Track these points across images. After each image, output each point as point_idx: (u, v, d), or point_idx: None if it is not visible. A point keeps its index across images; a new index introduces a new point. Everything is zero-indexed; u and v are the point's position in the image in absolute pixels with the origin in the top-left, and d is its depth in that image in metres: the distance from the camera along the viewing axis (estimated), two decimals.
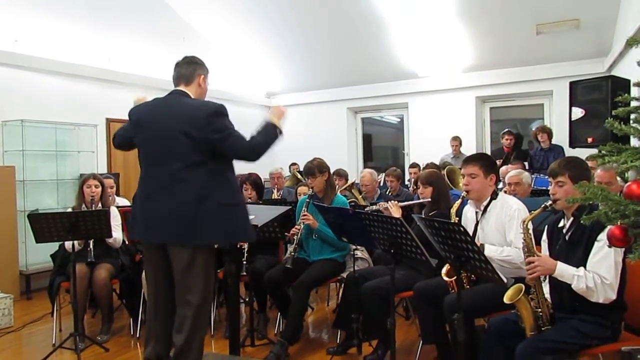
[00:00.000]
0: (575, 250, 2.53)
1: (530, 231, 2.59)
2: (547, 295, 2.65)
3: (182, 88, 2.80)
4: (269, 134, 2.79)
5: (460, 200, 3.27)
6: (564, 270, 2.44)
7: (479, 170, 3.14)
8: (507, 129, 7.75)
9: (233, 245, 3.36)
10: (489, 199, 3.16)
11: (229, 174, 2.78)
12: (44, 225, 3.67)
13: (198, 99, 2.80)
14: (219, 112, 2.67)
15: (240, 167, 5.54)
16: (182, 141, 2.61)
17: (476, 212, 3.24)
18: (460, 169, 6.15)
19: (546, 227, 2.80)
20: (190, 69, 2.82)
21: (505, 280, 2.59)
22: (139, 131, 2.78)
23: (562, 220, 2.66)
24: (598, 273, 2.37)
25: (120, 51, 7.10)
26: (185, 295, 2.66)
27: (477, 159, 3.26)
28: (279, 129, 2.82)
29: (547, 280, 2.67)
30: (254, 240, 3.11)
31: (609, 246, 2.31)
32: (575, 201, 1.82)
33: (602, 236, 2.39)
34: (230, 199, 2.72)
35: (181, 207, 2.61)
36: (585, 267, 2.43)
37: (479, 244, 2.95)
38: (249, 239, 2.92)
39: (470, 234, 3.11)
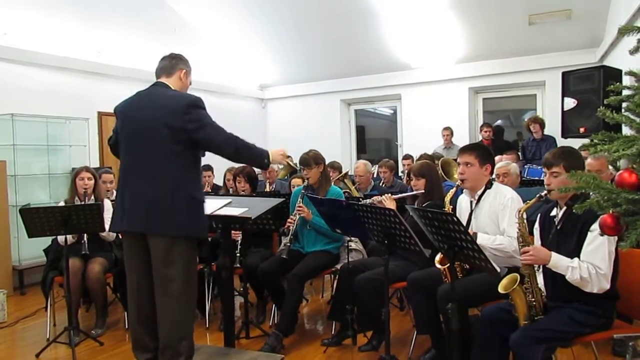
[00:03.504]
0: (567, 239, 2.54)
1: (525, 221, 2.60)
2: (541, 285, 2.67)
3: (163, 80, 2.85)
4: (258, 151, 2.86)
5: (454, 189, 3.29)
6: (558, 262, 2.45)
7: (475, 159, 3.16)
8: (485, 122, 7.81)
9: (226, 236, 3.36)
10: (483, 188, 3.17)
11: (200, 168, 2.84)
12: (36, 220, 3.64)
13: (177, 91, 2.82)
14: (195, 104, 2.70)
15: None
16: (160, 132, 2.64)
17: (470, 202, 3.25)
18: (455, 159, 6.18)
19: (539, 216, 2.82)
20: (172, 62, 2.87)
21: (498, 270, 2.60)
22: (121, 124, 2.83)
23: (555, 209, 2.68)
24: (592, 263, 2.38)
25: (110, 44, 7.04)
26: (165, 285, 2.67)
27: (473, 148, 3.27)
28: (268, 160, 2.90)
29: (541, 270, 2.69)
30: (205, 238, 3.15)
31: (601, 234, 2.33)
32: (568, 190, 1.83)
33: (595, 226, 2.40)
34: (200, 194, 2.78)
35: (158, 197, 2.63)
36: (577, 256, 2.44)
37: (472, 233, 2.96)
38: (205, 237, 2.95)
39: (465, 222, 3.13)
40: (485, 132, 7.64)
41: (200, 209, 2.76)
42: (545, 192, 2.61)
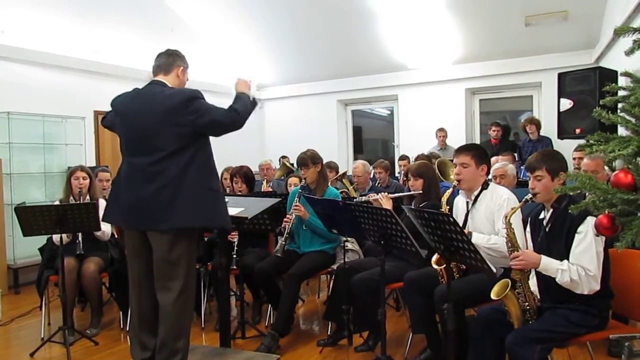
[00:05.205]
0: (556, 241, 2.56)
1: (514, 226, 2.61)
2: (534, 288, 2.67)
3: (160, 78, 2.84)
4: (245, 102, 2.84)
5: (451, 190, 3.29)
6: (547, 265, 2.47)
7: (471, 160, 3.16)
8: (494, 121, 7.78)
9: (222, 236, 3.35)
10: (479, 188, 3.17)
11: (209, 160, 2.81)
12: (32, 219, 3.63)
13: (174, 88, 2.81)
14: (193, 97, 2.70)
15: (232, 160, 5.52)
16: (161, 130, 2.64)
17: (467, 202, 3.25)
18: (451, 160, 6.19)
19: (529, 219, 2.83)
20: (169, 59, 2.86)
21: (494, 270, 2.60)
22: (120, 121, 2.81)
23: (543, 212, 2.69)
24: (581, 265, 2.40)
25: (107, 43, 7.02)
26: (166, 282, 2.67)
27: (469, 148, 3.27)
28: (252, 97, 2.89)
29: (533, 272, 2.69)
30: (229, 229, 3.16)
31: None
32: (563, 191, 1.83)
33: (582, 228, 2.42)
34: (208, 184, 2.74)
35: (160, 194, 2.62)
36: (567, 258, 2.46)
37: (466, 232, 2.97)
38: (226, 227, 2.91)
39: (461, 223, 3.13)
40: (494, 131, 7.56)
41: (209, 198, 2.71)
42: (531, 195, 2.62)
